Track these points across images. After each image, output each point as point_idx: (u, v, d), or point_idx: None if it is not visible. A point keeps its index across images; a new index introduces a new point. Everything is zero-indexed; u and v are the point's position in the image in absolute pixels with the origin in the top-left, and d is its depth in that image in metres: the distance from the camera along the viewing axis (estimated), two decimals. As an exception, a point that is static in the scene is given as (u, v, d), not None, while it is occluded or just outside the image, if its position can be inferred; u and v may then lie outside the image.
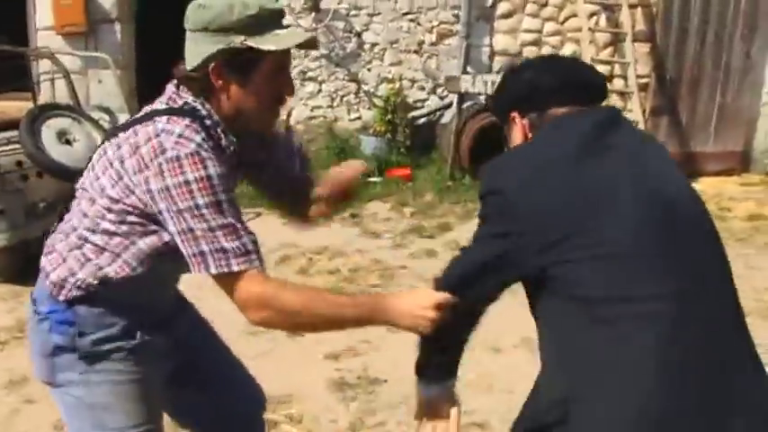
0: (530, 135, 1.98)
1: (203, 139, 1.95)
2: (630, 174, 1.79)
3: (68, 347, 2.14)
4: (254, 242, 1.96)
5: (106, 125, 6.10)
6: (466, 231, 6.92)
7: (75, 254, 2.11)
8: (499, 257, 1.86)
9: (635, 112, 8.31)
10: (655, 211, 1.76)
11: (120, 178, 1.98)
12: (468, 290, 1.93)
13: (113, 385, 2.17)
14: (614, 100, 8.85)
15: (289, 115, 7.85)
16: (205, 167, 1.89)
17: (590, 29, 8.54)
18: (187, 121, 1.97)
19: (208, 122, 2.01)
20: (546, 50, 8.83)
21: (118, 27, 8.47)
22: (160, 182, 1.89)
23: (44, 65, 8.32)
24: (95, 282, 2.09)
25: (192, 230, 1.90)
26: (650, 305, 1.70)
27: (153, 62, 9.47)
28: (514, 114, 2.01)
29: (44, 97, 7.54)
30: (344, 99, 9.00)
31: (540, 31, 8.82)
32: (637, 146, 1.88)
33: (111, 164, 2.01)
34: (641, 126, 8.16)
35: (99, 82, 8.43)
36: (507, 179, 1.85)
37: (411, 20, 8.85)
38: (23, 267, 5.56)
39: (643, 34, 8.68)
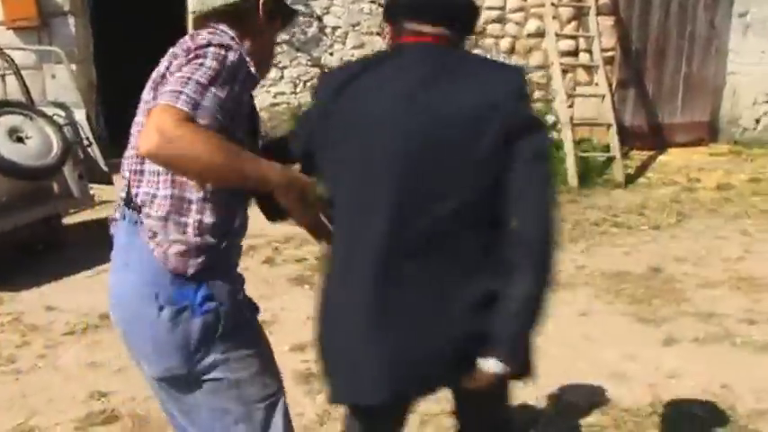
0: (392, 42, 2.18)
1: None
2: (402, 111, 1.98)
3: (212, 328, 2.09)
4: (213, 111, 1.88)
5: (61, 120, 5.95)
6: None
7: (172, 223, 2.04)
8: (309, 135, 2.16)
9: (601, 85, 8.28)
10: (408, 144, 1.97)
11: None
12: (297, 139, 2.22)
13: (249, 357, 2.17)
14: (580, 74, 8.82)
15: None
16: (227, 56, 1.94)
17: (553, 3, 8.49)
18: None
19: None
20: (510, 27, 8.78)
21: (72, 20, 8.29)
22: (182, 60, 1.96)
23: (-4, 62, 8.17)
24: (209, 238, 2.05)
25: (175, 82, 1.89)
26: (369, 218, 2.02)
27: (110, 54, 9.45)
28: (387, 22, 2.20)
29: (-3, 95, 7.35)
30: (308, 84, 8.89)
31: (502, 8, 8.76)
32: (432, 86, 2.00)
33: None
34: (607, 99, 8.14)
35: (53, 77, 8.25)
36: (323, 88, 2.16)
37: (372, 1, 8.76)
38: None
39: (606, 7, 8.65)
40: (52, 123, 5.72)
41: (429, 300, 2.03)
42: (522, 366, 2.13)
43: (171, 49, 2.05)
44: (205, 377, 2.13)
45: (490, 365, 2.02)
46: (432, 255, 2.02)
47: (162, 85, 1.92)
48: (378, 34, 8.86)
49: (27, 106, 5.79)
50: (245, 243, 2.25)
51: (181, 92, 1.84)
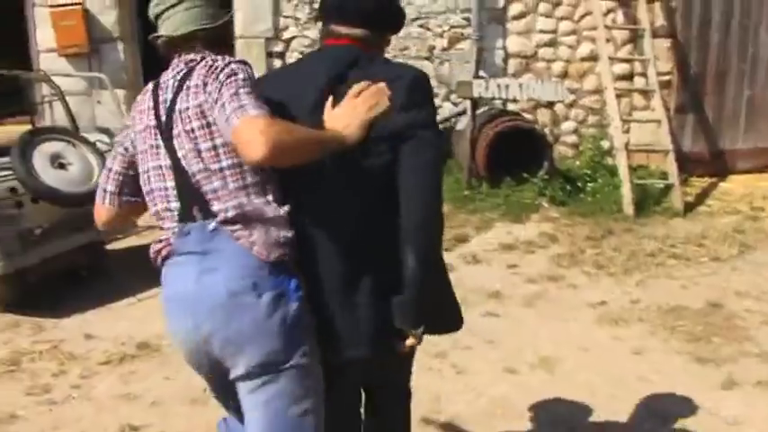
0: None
1: None
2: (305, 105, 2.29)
3: (303, 314, 2.29)
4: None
5: (104, 147, 5.94)
6: (484, 243, 6.72)
7: (258, 221, 2.27)
8: None
9: (657, 110, 8.03)
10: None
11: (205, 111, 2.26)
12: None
13: (315, 350, 2.35)
14: (636, 99, 8.59)
15: None
16: (246, 68, 2.28)
17: (606, 26, 8.28)
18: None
19: None
20: (562, 51, 8.59)
21: (120, 46, 8.35)
22: (217, 82, 2.24)
23: (46, 88, 8.26)
24: (288, 231, 2.28)
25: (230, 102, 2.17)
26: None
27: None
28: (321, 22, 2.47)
29: (45, 121, 7.42)
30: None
31: (554, 31, 8.58)
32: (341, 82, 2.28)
33: (196, 119, 2.27)
34: (664, 125, 7.90)
35: (98, 103, 8.30)
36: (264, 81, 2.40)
37: (421, 25, 8.66)
38: (20, 297, 5.42)
39: (663, 29, 8.41)
40: (94, 150, 5.70)
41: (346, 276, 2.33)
42: (439, 325, 2.52)
43: (188, 84, 2.30)
44: (294, 363, 2.28)
45: (404, 336, 2.35)
46: (353, 234, 2.30)
47: (212, 110, 2.22)
48: (426, 59, 8.74)
49: (70, 132, 5.79)
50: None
51: (243, 105, 2.12)
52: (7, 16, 8.68)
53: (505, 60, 8.59)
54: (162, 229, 2.41)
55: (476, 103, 7.88)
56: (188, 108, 2.27)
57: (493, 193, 7.79)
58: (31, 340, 5.00)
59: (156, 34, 2.44)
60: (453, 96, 8.79)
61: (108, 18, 8.25)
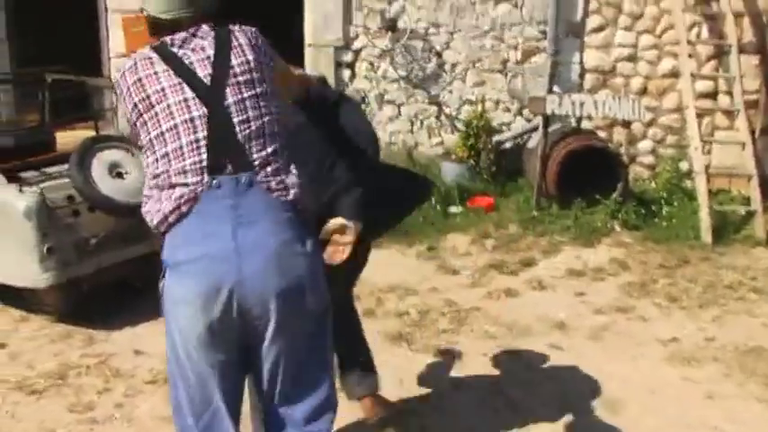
0: None
1: None
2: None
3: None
4: None
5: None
6: (551, 268, 6.46)
7: (289, 171, 2.51)
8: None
9: (742, 131, 7.64)
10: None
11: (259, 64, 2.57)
12: None
13: None
14: (719, 118, 8.19)
15: None
16: None
17: (690, 41, 7.91)
18: None
19: None
20: (642, 66, 8.25)
21: (189, 53, 8.32)
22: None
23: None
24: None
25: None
26: None
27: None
28: None
29: (112, 128, 7.42)
30: (425, 123, 8.62)
31: (635, 46, 8.24)
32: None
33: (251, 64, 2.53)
34: (749, 147, 7.50)
35: None
36: None
37: (494, 37, 8.42)
38: (73, 307, 5.38)
39: (751, 45, 8.00)
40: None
41: None
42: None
43: (235, 44, 2.55)
44: (328, 303, 2.55)
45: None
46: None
47: (265, 65, 2.58)
48: (499, 72, 8.50)
49: (128, 141, 5.74)
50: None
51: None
52: (82, 22, 8.75)
53: (581, 75, 8.29)
54: (175, 187, 2.42)
55: (548, 120, 7.61)
56: (242, 62, 2.49)
57: (563, 215, 7.50)
58: (81, 353, 4.93)
59: (165, 13, 2.58)
60: (525, 112, 8.54)
61: (177, 24, 8.21)
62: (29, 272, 5.08)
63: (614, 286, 6.04)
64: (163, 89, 2.45)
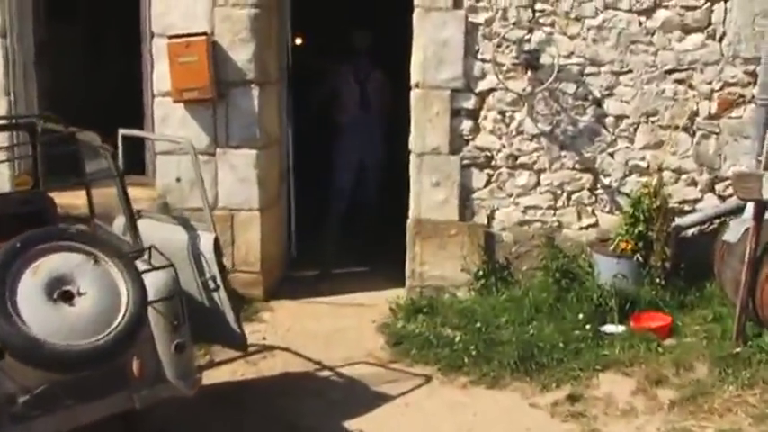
0: None
1: None
2: None
3: None
4: None
5: (159, 260, 3.91)
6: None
7: None
8: None
9: None
10: None
11: None
12: None
13: None
14: None
15: None
16: None
17: None
18: None
19: None
20: None
21: (256, 92, 6.38)
22: None
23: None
24: None
25: None
26: None
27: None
28: None
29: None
30: (573, 197, 6.39)
31: None
32: None
33: None
34: None
35: (177, 181, 6.40)
36: None
37: (678, 80, 6.16)
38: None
39: None
40: (127, 267, 3.65)
41: None
42: None
43: None
44: None
45: None
46: None
47: None
48: (684, 129, 6.15)
49: (92, 237, 3.79)
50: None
51: None
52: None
53: (811, 139, 5.81)
54: None
55: (764, 208, 5.18)
56: None
57: (784, 354, 5.07)
58: None
59: None
60: (719, 186, 6.21)
61: (241, 54, 6.33)
62: None
63: None
64: None
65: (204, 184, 4.64)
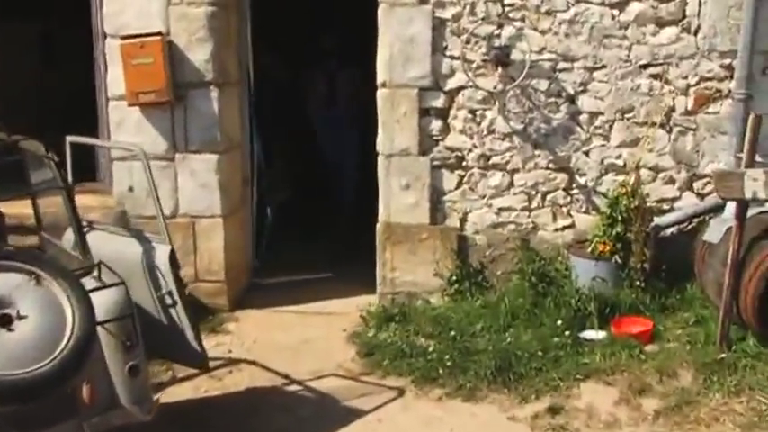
0: None
1: None
2: None
3: None
4: None
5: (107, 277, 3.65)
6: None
7: None
8: None
9: None
10: None
11: None
12: None
13: None
14: None
15: None
16: None
17: None
18: None
19: None
20: None
21: (215, 94, 6.12)
22: None
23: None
24: None
25: None
26: None
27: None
28: None
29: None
30: (548, 198, 6.19)
31: None
32: None
33: None
34: None
35: (129, 190, 6.15)
36: None
37: (653, 75, 5.98)
38: None
39: None
40: (73, 287, 3.38)
41: None
42: None
43: None
44: None
45: None
46: None
47: None
48: (661, 126, 5.97)
49: (32, 255, 3.52)
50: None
51: None
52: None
53: (791, 134, 5.65)
54: None
55: (746, 208, 5.01)
56: None
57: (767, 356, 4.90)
58: None
59: None
60: (697, 184, 6.06)
61: (198, 54, 6.06)
62: None
63: None
64: None
65: (158, 193, 4.33)
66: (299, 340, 5.91)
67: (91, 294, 3.54)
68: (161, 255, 4.21)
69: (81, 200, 6.27)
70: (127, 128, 6.23)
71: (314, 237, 7.69)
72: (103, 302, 3.62)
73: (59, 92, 8.37)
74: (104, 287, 3.66)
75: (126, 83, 6.03)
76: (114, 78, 6.17)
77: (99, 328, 3.56)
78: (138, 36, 5.99)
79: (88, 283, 3.68)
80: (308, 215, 7.98)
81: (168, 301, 4.19)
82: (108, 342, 3.63)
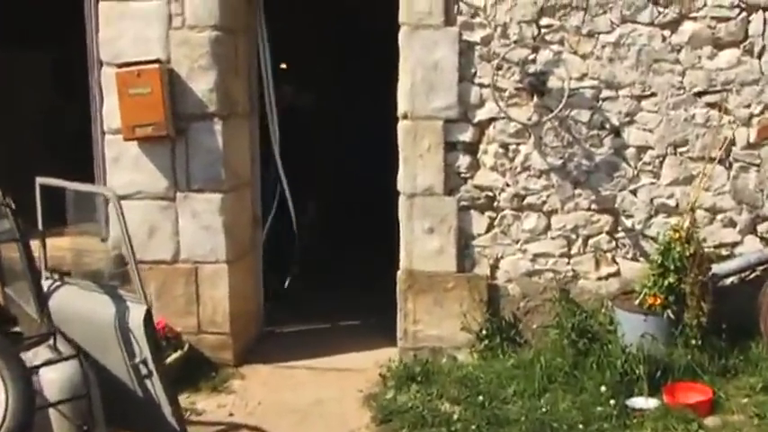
0: None
1: None
2: None
3: None
4: None
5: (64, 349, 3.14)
6: None
7: None
8: None
9: None
10: None
11: None
12: None
13: None
14: None
15: None
16: None
17: None
18: None
19: None
20: None
21: (218, 126, 5.66)
22: None
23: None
24: None
25: None
26: None
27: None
28: None
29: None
30: (590, 242, 5.70)
31: None
32: None
33: None
34: None
35: (103, 240, 5.75)
36: None
37: (710, 104, 5.50)
38: None
39: None
40: (9, 364, 2.86)
41: None
42: None
43: None
44: None
45: None
46: None
47: None
48: (720, 161, 5.41)
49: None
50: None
51: None
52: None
53: None
54: None
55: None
56: None
57: None
58: None
59: None
60: (763, 227, 5.56)
61: (201, 83, 5.62)
62: None
63: None
64: None
65: (130, 240, 3.80)
66: (309, 402, 5.40)
67: (42, 369, 3.02)
68: (135, 316, 3.69)
69: (75, 242, 6.00)
70: (124, 164, 5.80)
71: (331, 280, 7.25)
72: (57, 379, 3.11)
73: (69, 121, 8.10)
74: (56, 361, 3.14)
75: (122, 115, 5.59)
76: (110, 110, 5.74)
77: (51, 411, 3.04)
78: (134, 63, 5.55)
79: (42, 353, 3.16)
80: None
81: (143, 371, 3.66)
82: (61, 426, 3.11)
